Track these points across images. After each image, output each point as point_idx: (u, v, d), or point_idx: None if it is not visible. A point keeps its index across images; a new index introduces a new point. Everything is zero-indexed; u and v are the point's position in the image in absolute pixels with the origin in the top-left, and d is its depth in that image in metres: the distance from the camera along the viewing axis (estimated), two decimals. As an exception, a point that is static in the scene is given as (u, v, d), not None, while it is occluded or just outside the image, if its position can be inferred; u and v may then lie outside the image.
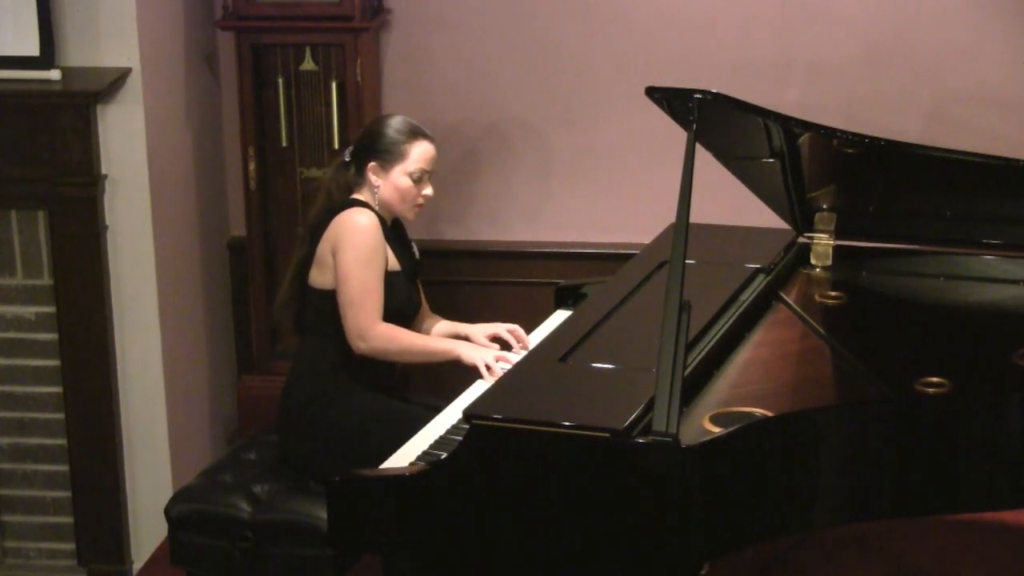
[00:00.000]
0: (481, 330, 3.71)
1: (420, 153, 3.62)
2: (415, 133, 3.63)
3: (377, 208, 3.61)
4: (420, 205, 3.68)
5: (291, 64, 4.47)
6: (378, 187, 3.61)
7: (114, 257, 4.08)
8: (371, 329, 3.50)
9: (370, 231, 3.53)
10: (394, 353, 3.55)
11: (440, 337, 3.69)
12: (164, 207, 4.20)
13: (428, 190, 3.66)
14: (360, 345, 3.52)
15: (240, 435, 4.63)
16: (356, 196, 3.64)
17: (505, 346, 3.66)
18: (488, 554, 2.90)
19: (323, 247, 3.57)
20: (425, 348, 3.57)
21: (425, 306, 3.84)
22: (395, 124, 3.64)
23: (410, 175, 3.61)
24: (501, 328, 3.70)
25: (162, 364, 4.19)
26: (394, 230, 3.69)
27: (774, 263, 3.76)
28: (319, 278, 3.59)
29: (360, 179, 3.64)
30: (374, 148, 3.62)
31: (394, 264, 3.60)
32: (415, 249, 3.77)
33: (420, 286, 3.81)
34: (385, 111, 4.66)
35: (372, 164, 3.61)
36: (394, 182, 3.61)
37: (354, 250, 3.50)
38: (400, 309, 3.60)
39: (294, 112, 4.50)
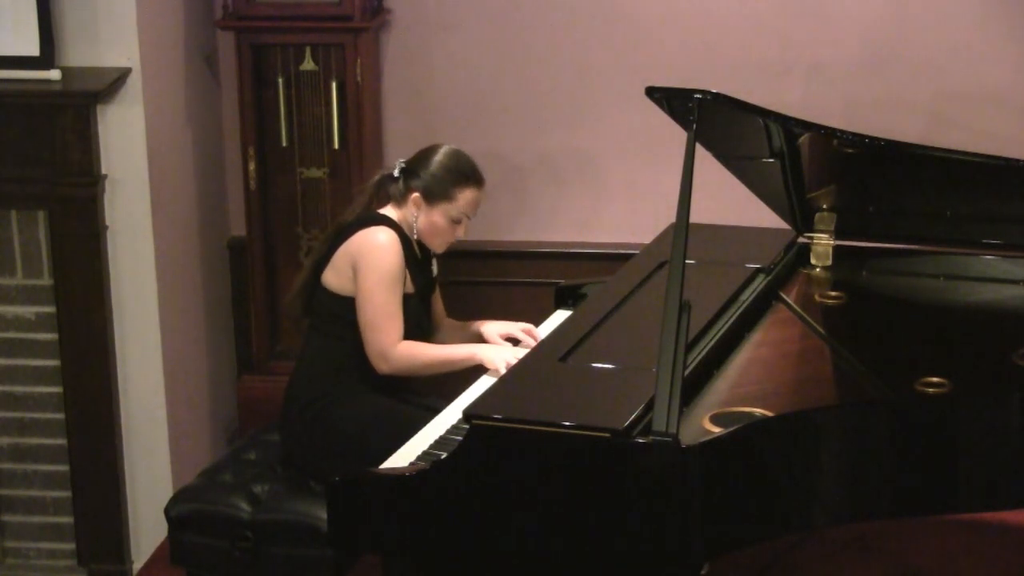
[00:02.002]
0: (495, 330, 3.73)
1: (467, 200, 3.63)
2: (468, 178, 3.62)
3: (411, 234, 3.61)
4: (450, 243, 3.70)
5: (291, 64, 4.47)
6: (416, 217, 3.61)
7: (114, 257, 4.08)
8: (392, 349, 3.51)
9: (391, 253, 3.53)
10: (417, 369, 3.56)
11: (458, 345, 3.68)
12: (164, 207, 4.20)
13: (462, 232, 3.67)
14: (383, 366, 3.53)
15: (240, 435, 4.63)
16: (390, 212, 3.63)
17: (516, 345, 3.68)
18: (488, 554, 2.90)
19: (342, 256, 3.57)
20: (447, 358, 3.57)
21: (442, 313, 3.85)
22: (451, 163, 3.62)
23: (451, 218, 3.62)
24: (515, 329, 3.72)
25: (162, 364, 4.19)
26: (418, 244, 3.69)
27: (774, 263, 3.76)
28: (332, 280, 3.60)
29: (402, 198, 3.63)
30: (424, 179, 3.60)
31: (408, 287, 3.60)
32: (434, 266, 3.77)
33: (439, 296, 3.83)
34: (385, 111, 4.67)
35: (416, 195, 3.60)
36: (433, 219, 3.61)
37: (375, 273, 3.51)
38: (408, 332, 3.59)
39: (294, 112, 4.50)
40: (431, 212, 3.61)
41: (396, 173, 3.65)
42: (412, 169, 3.63)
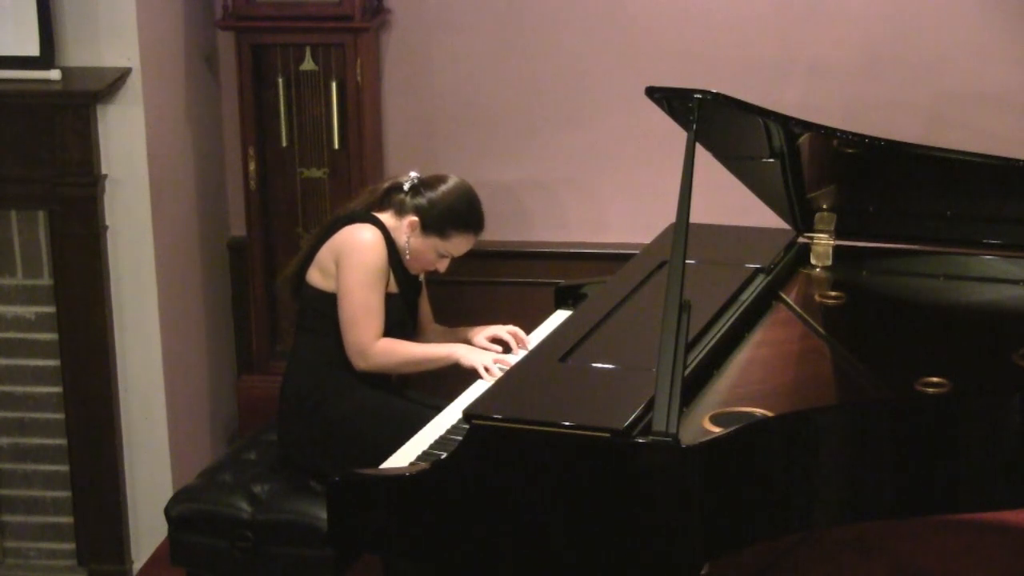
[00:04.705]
0: (481, 332, 3.72)
1: (459, 243, 3.64)
2: (467, 225, 3.62)
3: (398, 243, 3.61)
4: (428, 271, 3.71)
5: (291, 64, 4.47)
6: (407, 238, 3.61)
7: (114, 257, 4.08)
8: (370, 347, 3.51)
9: (374, 251, 3.53)
10: (395, 366, 3.58)
11: (438, 344, 3.69)
12: (164, 207, 4.20)
13: (443, 268, 3.68)
14: (360, 363, 3.54)
15: (240, 435, 4.63)
16: (386, 218, 3.62)
17: (506, 348, 3.67)
18: (488, 554, 2.90)
19: (326, 252, 3.58)
20: (424, 356, 3.57)
21: (428, 316, 3.85)
22: (457, 203, 3.61)
23: (438, 253, 3.63)
24: (501, 330, 3.71)
25: (162, 364, 4.20)
26: None
27: (774, 263, 3.76)
28: (317, 278, 3.60)
29: (401, 213, 3.62)
30: (426, 207, 3.60)
31: (392, 287, 3.61)
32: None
33: (426, 299, 3.82)
34: (385, 111, 4.67)
35: (414, 219, 3.60)
36: (421, 247, 3.62)
37: (357, 269, 3.51)
38: (389, 331, 3.59)
39: (294, 112, 4.50)
40: (422, 240, 3.61)
41: (406, 187, 3.64)
42: (421, 190, 3.63)
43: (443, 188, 3.63)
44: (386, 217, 3.63)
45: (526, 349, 3.61)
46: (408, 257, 3.63)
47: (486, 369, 3.48)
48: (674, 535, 2.79)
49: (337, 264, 3.54)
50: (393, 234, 3.61)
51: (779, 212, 3.91)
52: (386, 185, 3.69)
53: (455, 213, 3.61)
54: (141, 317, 4.14)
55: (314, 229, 3.86)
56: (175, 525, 3.51)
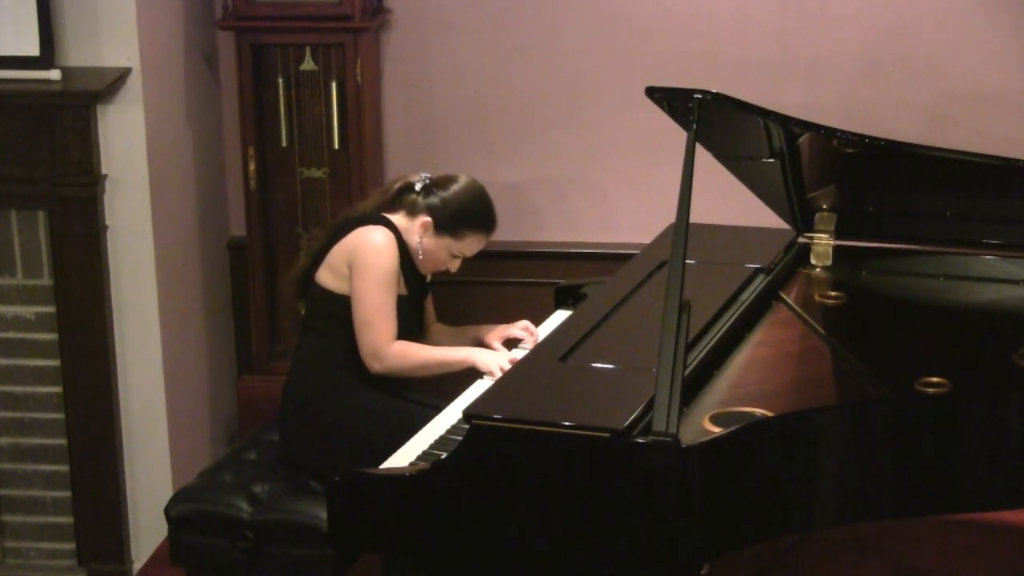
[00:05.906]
0: (493, 334, 3.73)
1: (472, 243, 3.64)
2: (480, 225, 3.63)
3: (409, 244, 3.61)
4: (439, 271, 3.71)
5: (291, 64, 4.47)
6: (420, 238, 3.61)
7: (114, 257, 4.08)
8: (385, 348, 3.51)
9: (387, 253, 3.53)
10: (410, 369, 3.56)
11: (452, 347, 3.68)
12: (164, 207, 4.20)
13: (455, 268, 3.69)
14: (375, 365, 3.53)
15: (240, 435, 4.63)
16: (397, 219, 3.62)
17: (514, 344, 3.69)
18: (488, 554, 2.90)
19: (337, 253, 3.57)
20: (441, 360, 3.57)
21: (432, 317, 3.84)
22: (470, 203, 3.61)
23: (451, 253, 3.63)
24: (515, 330, 3.72)
25: (162, 364, 4.19)
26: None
27: (774, 263, 3.76)
28: (327, 278, 3.59)
29: (413, 214, 3.63)
30: (439, 207, 3.60)
31: (401, 289, 3.60)
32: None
33: (430, 299, 3.83)
34: (385, 111, 4.67)
35: (427, 219, 3.60)
36: (434, 247, 3.62)
37: (371, 271, 3.51)
38: (397, 334, 3.59)
39: (294, 112, 4.50)
40: (434, 240, 3.61)
41: (418, 187, 3.64)
42: (433, 190, 3.63)
43: (455, 187, 3.63)
44: (397, 218, 3.63)
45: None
46: (420, 257, 3.63)
47: (503, 371, 3.47)
48: (674, 535, 2.79)
49: (350, 266, 3.54)
50: (405, 235, 3.61)
51: (779, 212, 3.91)
52: (398, 185, 3.68)
53: (468, 213, 3.61)
54: (141, 317, 4.14)
55: (318, 229, 3.87)
56: (175, 525, 3.51)
